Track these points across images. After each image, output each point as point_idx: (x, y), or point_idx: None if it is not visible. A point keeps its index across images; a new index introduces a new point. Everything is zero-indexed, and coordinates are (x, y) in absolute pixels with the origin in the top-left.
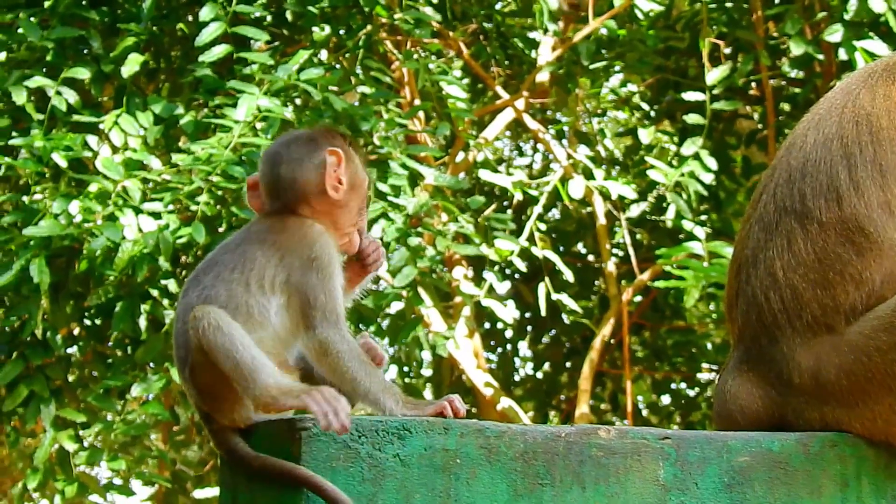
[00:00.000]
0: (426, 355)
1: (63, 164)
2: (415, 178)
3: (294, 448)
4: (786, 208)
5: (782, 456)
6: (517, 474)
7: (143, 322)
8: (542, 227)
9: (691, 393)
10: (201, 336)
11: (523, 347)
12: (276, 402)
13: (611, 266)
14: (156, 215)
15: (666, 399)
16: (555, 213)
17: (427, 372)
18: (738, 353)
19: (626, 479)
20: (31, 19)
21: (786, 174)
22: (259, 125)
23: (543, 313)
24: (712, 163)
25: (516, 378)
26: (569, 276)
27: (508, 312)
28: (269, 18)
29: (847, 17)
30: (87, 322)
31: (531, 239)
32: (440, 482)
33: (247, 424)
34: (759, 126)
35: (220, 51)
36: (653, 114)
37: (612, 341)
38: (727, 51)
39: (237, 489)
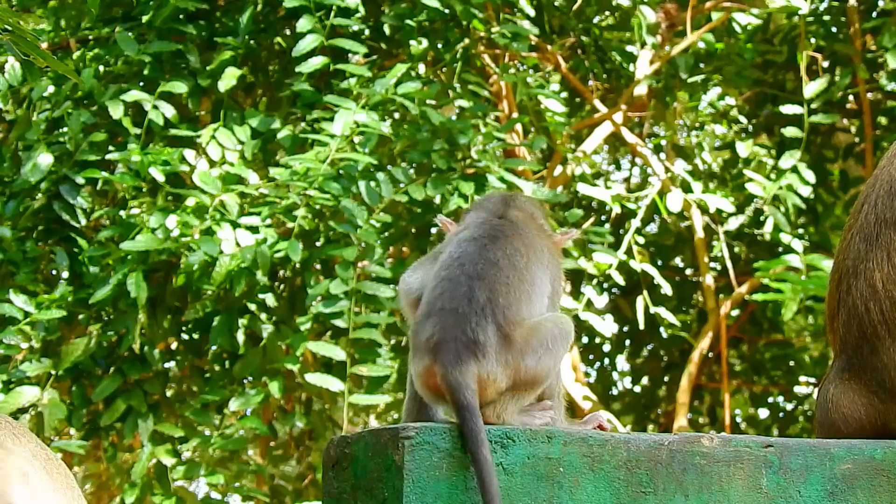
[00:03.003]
0: None
1: (160, 178)
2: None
3: (397, 457)
4: (885, 220)
5: (885, 464)
6: (620, 483)
7: (240, 336)
8: (641, 240)
9: (789, 406)
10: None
11: (621, 361)
12: None
13: (709, 279)
14: (253, 229)
15: (764, 412)
16: (653, 227)
17: None
18: (839, 363)
19: (728, 488)
20: (128, 33)
21: (887, 185)
22: (356, 139)
23: (642, 327)
24: (810, 176)
25: (614, 392)
26: (667, 289)
27: (607, 326)
28: (366, 32)
29: None
30: (185, 336)
31: (629, 252)
32: (543, 491)
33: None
34: (857, 139)
35: (317, 62)
36: (751, 127)
37: (710, 355)
38: (825, 64)
39: (341, 498)
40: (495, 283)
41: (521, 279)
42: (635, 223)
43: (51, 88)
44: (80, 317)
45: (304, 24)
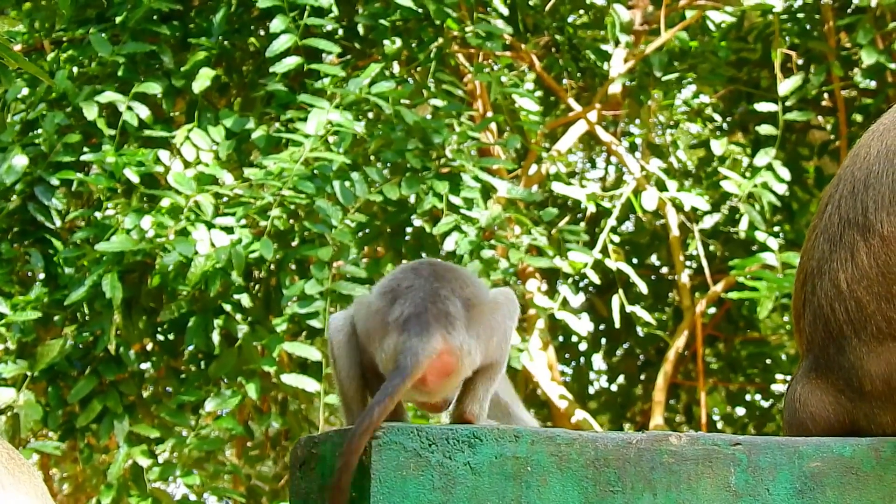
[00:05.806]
0: None
1: (135, 179)
2: (487, 191)
3: (364, 456)
4: (849, 220)
5: (854, 461)
6: (588, 482)
7: (216, 337)
8: (616, 239)
9: (765, 404)
10: None
11: (597, 360)
12: None
13: (684, 278)
14: (228, 230)
15: (740, 410)
16: (628, 226)
17: None
18: (806, 363)
19: (697, 486)
20: (102, 34)
21: (850, 185)
22: (331, 139)
23: (617, 325)
24: (785, 173)
25: (591, 391)
26: (643, 288)
27: (582, 325)
28: (340, 32)
29: None
30: (160, 337)
31: (605, 251)
32: (511, 490)
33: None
34: (832, 136)
35: (290, 62)
36: (725, 125)
37: (686, 353)
38: (799, 61)
39: (308, 498)
40: (452, 269)
41: (471, 277)
42: (610, 222)
43: (25, 90)
44: (56, 318)
45: (277, 24)
